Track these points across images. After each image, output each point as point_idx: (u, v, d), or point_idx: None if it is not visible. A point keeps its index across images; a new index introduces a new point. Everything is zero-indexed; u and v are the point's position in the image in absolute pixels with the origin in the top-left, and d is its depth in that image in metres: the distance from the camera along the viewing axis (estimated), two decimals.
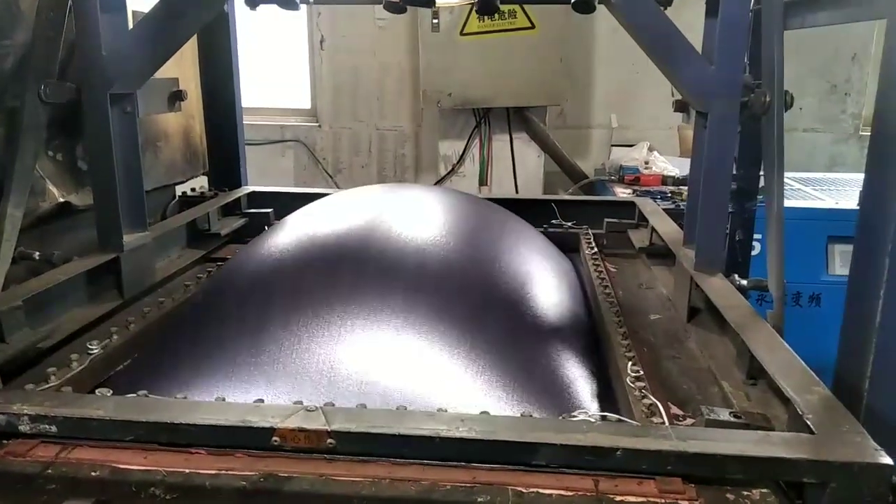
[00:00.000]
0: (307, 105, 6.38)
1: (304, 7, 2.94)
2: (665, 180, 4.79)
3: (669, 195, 4.51)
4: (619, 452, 1.08)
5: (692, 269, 1.93)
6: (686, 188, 4.62)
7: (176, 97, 2.35)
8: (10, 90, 2.00)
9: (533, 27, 4.88)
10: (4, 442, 1.24)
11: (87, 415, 1.18)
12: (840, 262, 4.30)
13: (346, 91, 6.19)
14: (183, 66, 2.83)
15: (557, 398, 1.49)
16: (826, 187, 4.85)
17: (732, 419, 1.25)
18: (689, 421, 1.41)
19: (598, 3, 1.98)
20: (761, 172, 2.91)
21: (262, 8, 2.25)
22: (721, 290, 1.81)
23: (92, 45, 1.89)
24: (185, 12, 1.89)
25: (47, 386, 1.46)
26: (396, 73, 6.08)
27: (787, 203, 2.93)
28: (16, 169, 1.88)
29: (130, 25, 2.04)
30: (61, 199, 2.22)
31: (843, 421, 1.17)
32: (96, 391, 1.38)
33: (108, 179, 2.00)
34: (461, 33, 4.89)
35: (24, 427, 1.19)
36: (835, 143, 6.07)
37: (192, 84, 2.98)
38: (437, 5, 2.02)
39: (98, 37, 1.88)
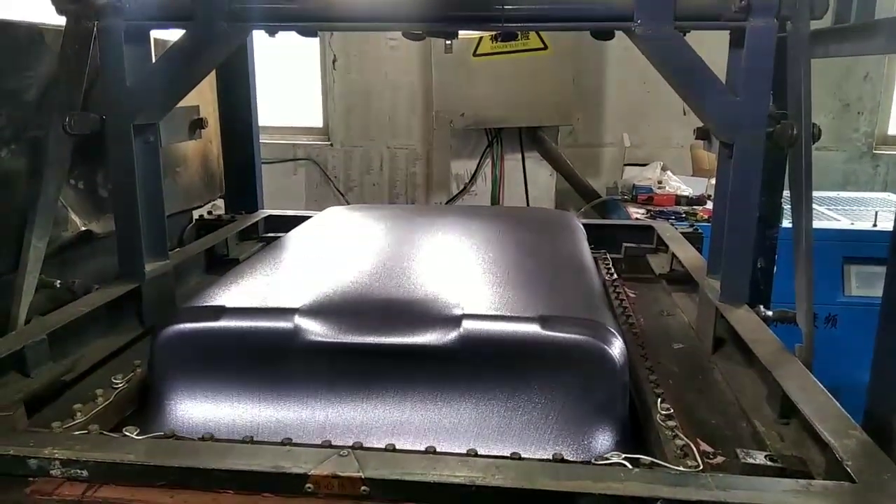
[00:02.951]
0: (319, 123, 6.40)
1: None
2: (679, 200, 4.78)
3: (684, 215, 4.50)
4: (658, 503, 1.06)
5: (717, 300, 1.92)
6: (699, 208, 4.65)
7: (197, 125, 2.36)
8: (34, 121, 2.02)
9: (545, 48, 4.89)
10: (31, 479, 1.23)
11: (118, 459, 1.17)
12: (856, 283, 4.28)
13: (358, 110, 6.21)
14: (201, 91, 2.84)
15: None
16: (840, 207, 4.84)
17: (769, 463, 1.23)
18: (720, 459, 1.40)
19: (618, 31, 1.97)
20: (784, 196, 2.92)
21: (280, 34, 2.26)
22: (748, 323, 1.79)
23: (116, 76, 1.90)
24: (209, 45, 1.90)
25: (74, 423, 1.45)
26: (408, 93, 6.10)
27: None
28: (40, 201, 1.89)
29: (154, 58, 2.04)
30: (83, 228, 2.22)
31: (884, 468, 1.15)
32: (124, 430, 1.37)
33: (130, 210, 2.00)
34: (474, 54, 4.91)
35: (55, 472, 1.18)
36: (847, 162, 6.05)
37: (209, 108, 2.98)
38: (458, 37, 2.02)
39: (122, 69, 1.89)
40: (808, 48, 1.75)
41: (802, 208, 1.73)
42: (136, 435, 1.35)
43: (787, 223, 3.00)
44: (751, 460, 1.23)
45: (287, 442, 1.31)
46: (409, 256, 1.97)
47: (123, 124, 1.94)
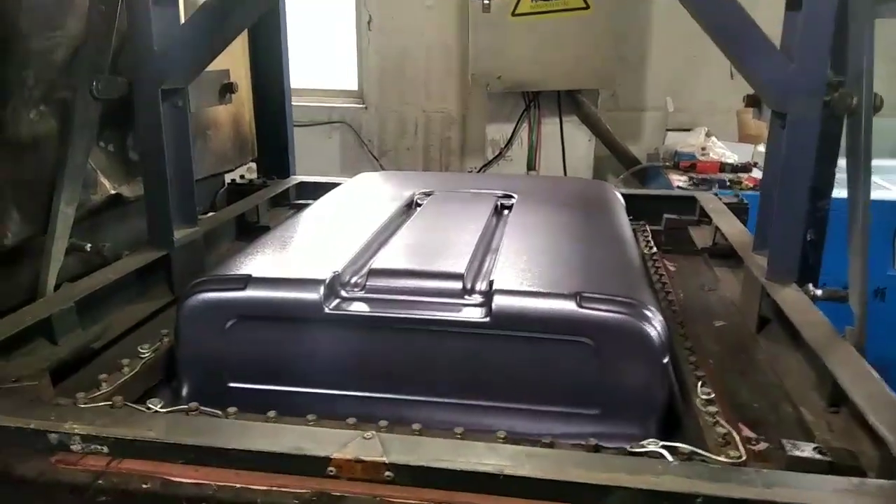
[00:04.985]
0: (354, 86, 6.31)
1: None
2: (723, 167, 4.61)
3: (728, 183, 4.36)
4: (699, 500, 1.00)
5: (763, 277, 1.83)
6: (745, 175, 4.49)
7: (227, 89, 2.31)
8: (62, 82, 1.98)
9: (587, 7, 4.72)
10: None
11: (138, 436, 1.15)
12: None
13: (393, 72, 6.10)
14: (233, 53, 2.79)
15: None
16: (892, 176, 4.63)
17: (818, 456, 1.15)
18: (763, 445, 1.33)
19: None
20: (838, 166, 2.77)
21: None
22: (796, 302, 1.70)
23: (143, 39, 1.85)
24: (238, 6, 1.83)
25: (98, 393, 1.44)
26: (444, 55, 5.97)
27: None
28: (68, 166, 1.86)
29: (183, 19, 1.99)
30: (112, 192, 2.20)
31: None
32: (148, 402, 1.35)
33: (159, 176, 1.97)
34: (512, 14, 4.76)
35: (75, 446, 1.16)
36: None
37: (241, 71, 2.93)
38: None
39: (150, 31, 1.84)
40: (872, 7, 1.62)
41: (860, 183, 1.62)
42: (160, 408, 1.34)
43: (835, 193, 2.87)
44: (798, 453, 1.16)
45: (311, 419, 1.28)
46: (440, 227, 1.91)
47: (151, 89, 1.90)
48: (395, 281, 1.53)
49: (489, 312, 1.42)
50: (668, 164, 4.91)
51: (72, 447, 1.16)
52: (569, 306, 1.41)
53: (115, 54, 1.95)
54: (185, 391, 1.55)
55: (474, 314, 1.45)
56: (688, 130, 5.26)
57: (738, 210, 2.69)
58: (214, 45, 1.98)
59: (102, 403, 1.35)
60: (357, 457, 1.09)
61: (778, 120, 1.83)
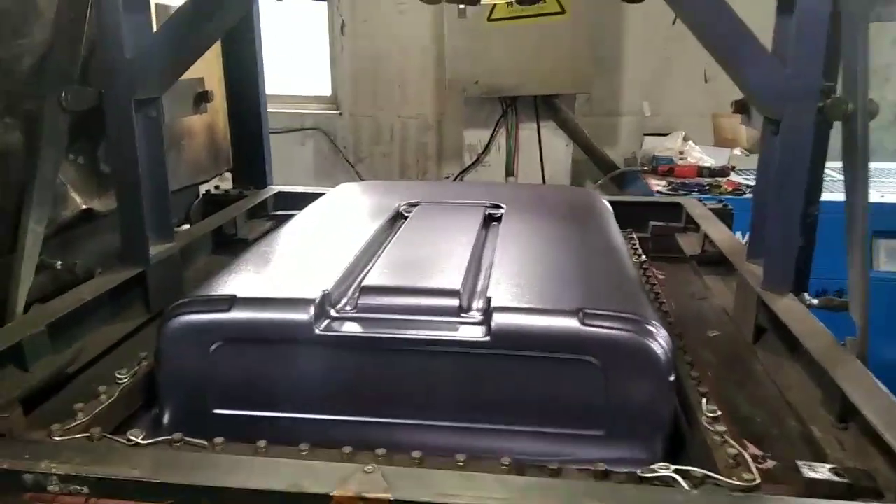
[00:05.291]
0: (327, 92, 6.22)
1: None
2: (701, 171, 4.61)
3: (707, 187, 4.36)
4: None
5: (759, 286, 1.79)
6: (723, 179, 4.50)
7: (202, 98, 2.22)
8: (29, 92, 1.88)
9: (563, 12, 4.69)
10: None
11: (121, 475, 1.07)
12: (885, 257, 4.14)
13: (368, 78, 6.02)
14: (206, 61, 2.70)
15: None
16: (869, 178, 4.67)
17: (835, 478, 1.11)
18: (771, 463, 1.29)
19: None
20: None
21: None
22: (796, 313, 1.67)
23: (114, 47, 1.77)
24: (213, 13, 1.76)
25: (74, 423, 1.35)
26: (419, 60, 5.90)
27: (828, 196, 2.77)
28: (36, 182, 1.77)
29: (155, 26, 1.91)
30: (84, 207, 2.10)
31: None
32: (128, 433, 1.27)
33: (132, 189, 1.88)
34: (489, 19, 4.71)
35: (52, 487, 1.08)
36: (874, 131, 5.84)
37: (215, 79, 2.85)
38: (481, 3, 1.87)
39: (121, 39, 1.76)
40: (867, 11, 1.59)
41: (858, 191, 1.60)
42: (141, 439, 1.26)
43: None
44: (814, 474, 1.12)
45: (304, 449, 1.21)
46: (430, 241, 1.85)
47: (123, 99, 1.81)
48: (387, 299, 1.46)
49: (489, 331, 1.36)
50: (645, 168, 4.89)
51: (49, 488, 1.08)
52: (571, 324, 1.35)
53: (84, 63, 1.86)
54: (166, 419, 1.47)
55: (473, 333, 1.39)
56: (665, 135, 5.25)
57: (723, 215, 2.67)
58: (189, 54, 1.90)
59: (80, 436, 1.27)
60: (360, 493, 1.02)
61: (771, 126, 1.80)
